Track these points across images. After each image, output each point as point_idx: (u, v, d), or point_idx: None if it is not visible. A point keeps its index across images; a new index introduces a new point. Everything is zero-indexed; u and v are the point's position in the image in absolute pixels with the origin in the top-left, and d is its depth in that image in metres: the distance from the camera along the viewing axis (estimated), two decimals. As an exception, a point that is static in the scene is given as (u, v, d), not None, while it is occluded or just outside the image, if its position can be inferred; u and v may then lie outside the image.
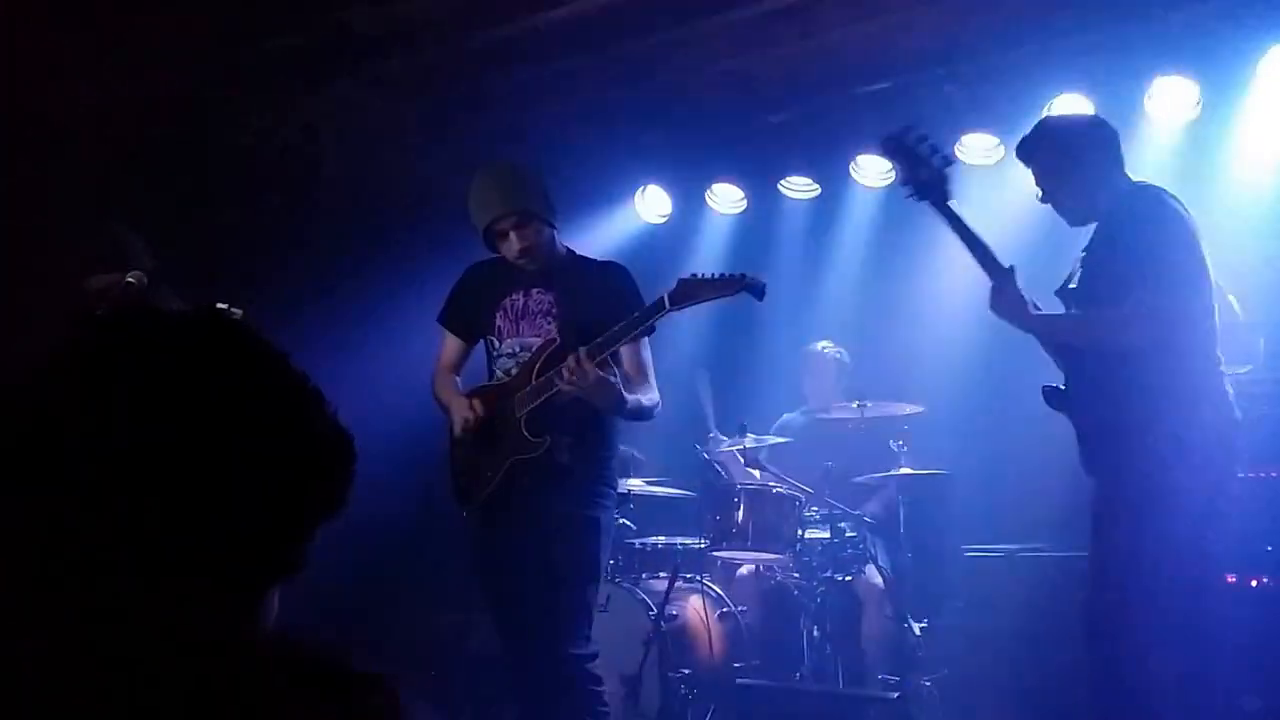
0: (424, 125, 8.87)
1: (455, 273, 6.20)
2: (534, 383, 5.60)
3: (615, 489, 5.94)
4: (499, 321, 5.87)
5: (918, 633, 7.75)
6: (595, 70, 8.33)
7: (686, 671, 7.55)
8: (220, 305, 4.64)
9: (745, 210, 9.67)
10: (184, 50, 7.50)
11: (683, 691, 7.47)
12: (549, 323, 5.77)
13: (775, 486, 8.10)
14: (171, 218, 6.99)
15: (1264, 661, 6.56)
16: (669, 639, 7.55)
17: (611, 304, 5.65)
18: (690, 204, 9.75)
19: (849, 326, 9.19)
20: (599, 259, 6.15)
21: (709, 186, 9.66)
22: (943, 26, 7.38)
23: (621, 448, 6.11)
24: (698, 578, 7.94)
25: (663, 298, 5.38)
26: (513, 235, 5.70)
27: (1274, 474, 7.06)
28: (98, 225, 5.97)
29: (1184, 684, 4.92)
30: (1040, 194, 5.43)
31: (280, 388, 1.77)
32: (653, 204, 9.86)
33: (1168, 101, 7.70)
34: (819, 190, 9.54)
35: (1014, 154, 5.55)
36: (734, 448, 8.32)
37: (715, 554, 8.15)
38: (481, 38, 7.92)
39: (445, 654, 8.28)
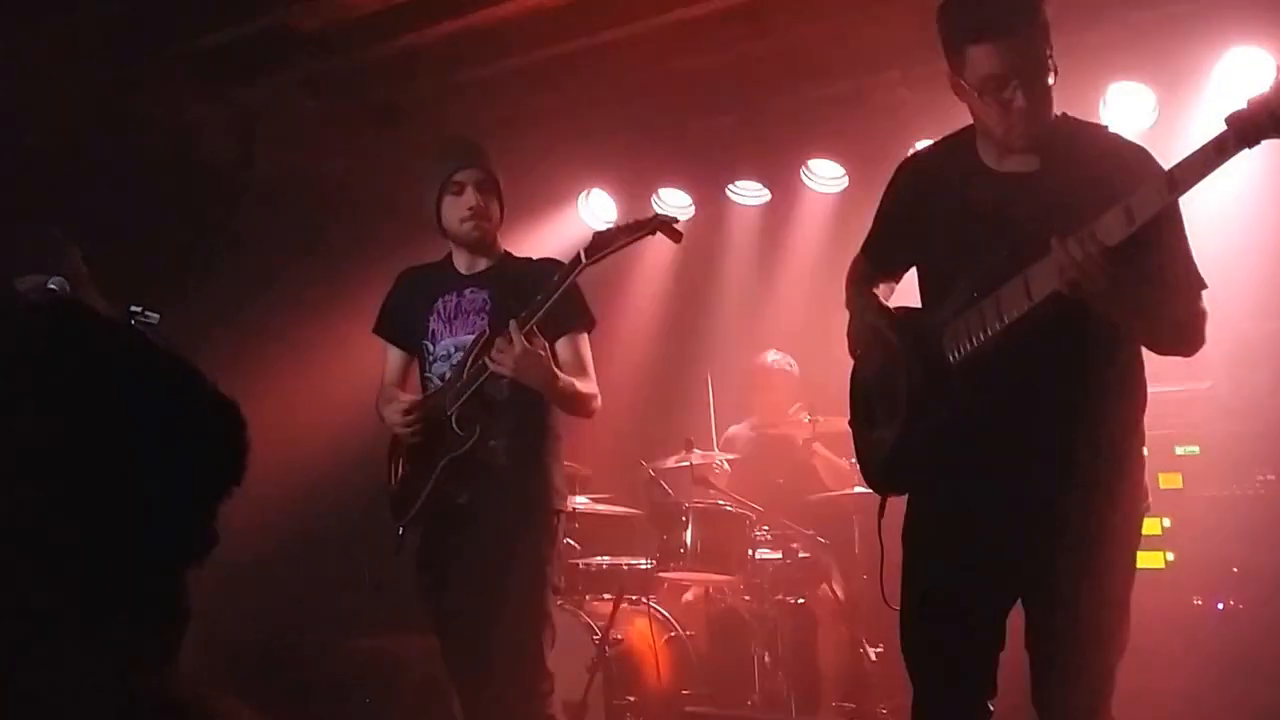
0: (358, 127, 8.92)
1: (388, 276, 6.19)
2: (464, 378, 5.57)
3: (562, 494, 5.83)
4: (432, 324, 5.82)
5: (874, 658, 7.79)
6: (537, 71, 8.37)
7: (632, 699, 7.58)
8: (134, 308, 4.71)
9: (692, 216, 9.66)
10: (112, 45, 7.56)
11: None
12: (481, 320, 5.71)
13: (724, 504, 8.13)
14: (104, 221, 7.02)
15: (1233, 687, 6.69)
16: (614, 664, 7.58)
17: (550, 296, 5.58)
18: (636, 209, 9.69)
19: (800, 336, 9.18)
20: (538, 259, 6.07)
21: (655, 191, 9.66)
22: (897, 28, 7.47)
23: (566, 464, 6.02)
24: (644, 600, 7.95)
25: (579, 253, 5.36)
26: (470, 190, 5.72)
27: (1239, 493, 7.16)
28: (28, 228, 6.00)
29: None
30: None
31: (142, 361, 1.81)
32: (597, 209, 9.86)
33: (1123, 108, 7.81)
34: (769, 196, 9.60)
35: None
36: (681, 464, 8.31)
37: (662, 575, 8.12)
38: (419, 37, 7.96)
39: (384, 679, 8.21)
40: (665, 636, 7.92)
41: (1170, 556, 7.25)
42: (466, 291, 5.81)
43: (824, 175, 9.23)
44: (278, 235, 8.57)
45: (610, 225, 5.52)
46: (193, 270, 7.87)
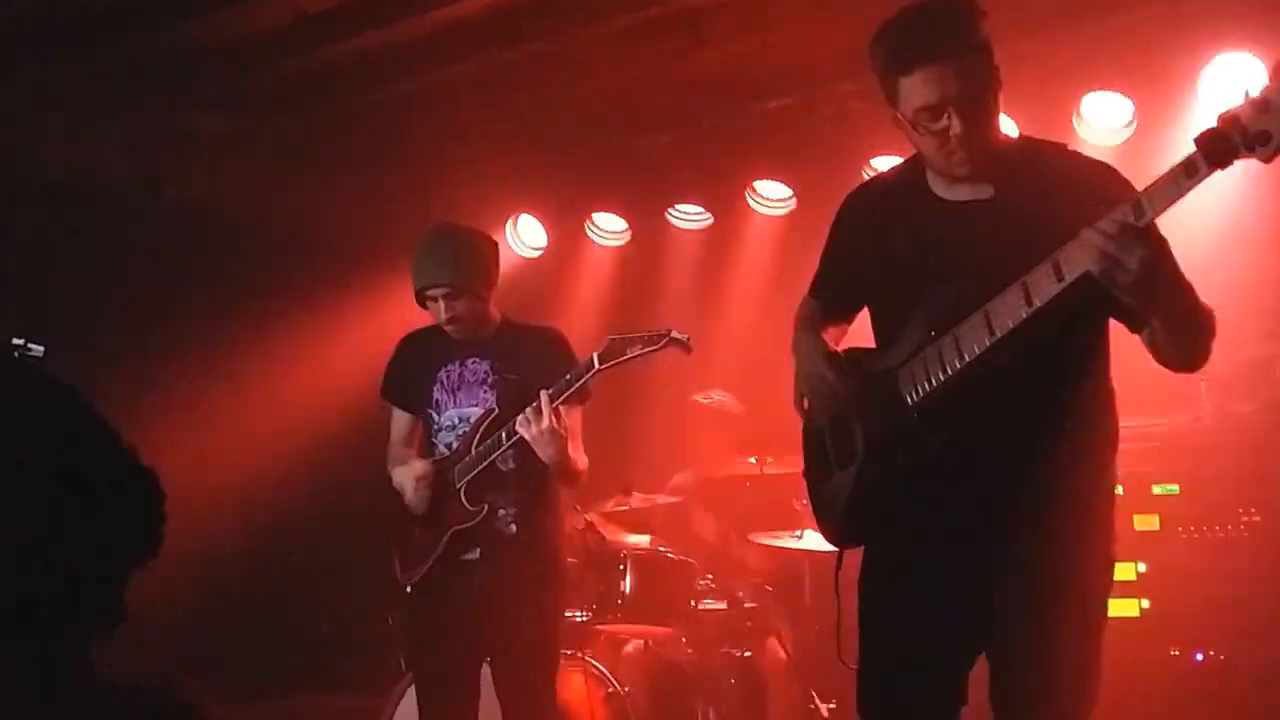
0: (270, 150, 8.72)
1: (301, 306, 6.47)
2: (473, 452, 6.09)
3: (564, 565, 6.48)
4: (436, 394, 6.33)
5: (826, 714, 7.67)
6: (460, 86, 8.27)
7: None
8: (16, 341, 4.75)
9: (629, 242, 9.62)
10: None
11: (563, 783, 7.31)
12: (484, 391, 6.24)
13: (665, 551, 8.03)
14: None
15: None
16: None
17: (549, 369, 6.05)
18: (568, 235, 9.66)
19: (745, 371, 9.04)
20: (535, 324, 6.60)
21: (588, 216, 9.63)
22: (850, 38, 7.28)
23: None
24: (579, 654, 7.77)
25: (592, 357, 5.87)
26: (441, 304, 6.18)
27: (1221, 535, 7.05)
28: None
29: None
30: None
31: (67, 425, 1.76)
32: (526, 235, 9.81)
33: (1098, 120, 7.70)
34: (711, 219, 9.51)
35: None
36: (618, 508, 8.27)
37: (598, 627, 8.02)
38: (335, 50, 7.85)
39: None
40: (602, 693, 7.74)
41: (1145, 604, 7.19)
42: (469, 362, 6.31)
43: (770, 197, 9.17)
44: (179, 264, 8.51)
45: (625, 334, 5.92)
46: (88, 302, 7.81)
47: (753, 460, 8.31)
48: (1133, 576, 7.14)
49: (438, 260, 6.24)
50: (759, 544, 8.16)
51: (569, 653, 7.69)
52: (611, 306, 9.79)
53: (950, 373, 4.05)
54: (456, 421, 6.27)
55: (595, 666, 7.81)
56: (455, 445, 6.22)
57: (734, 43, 7.74)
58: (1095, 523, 4.16)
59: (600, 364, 5.84)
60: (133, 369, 7.83)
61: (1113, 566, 4.20)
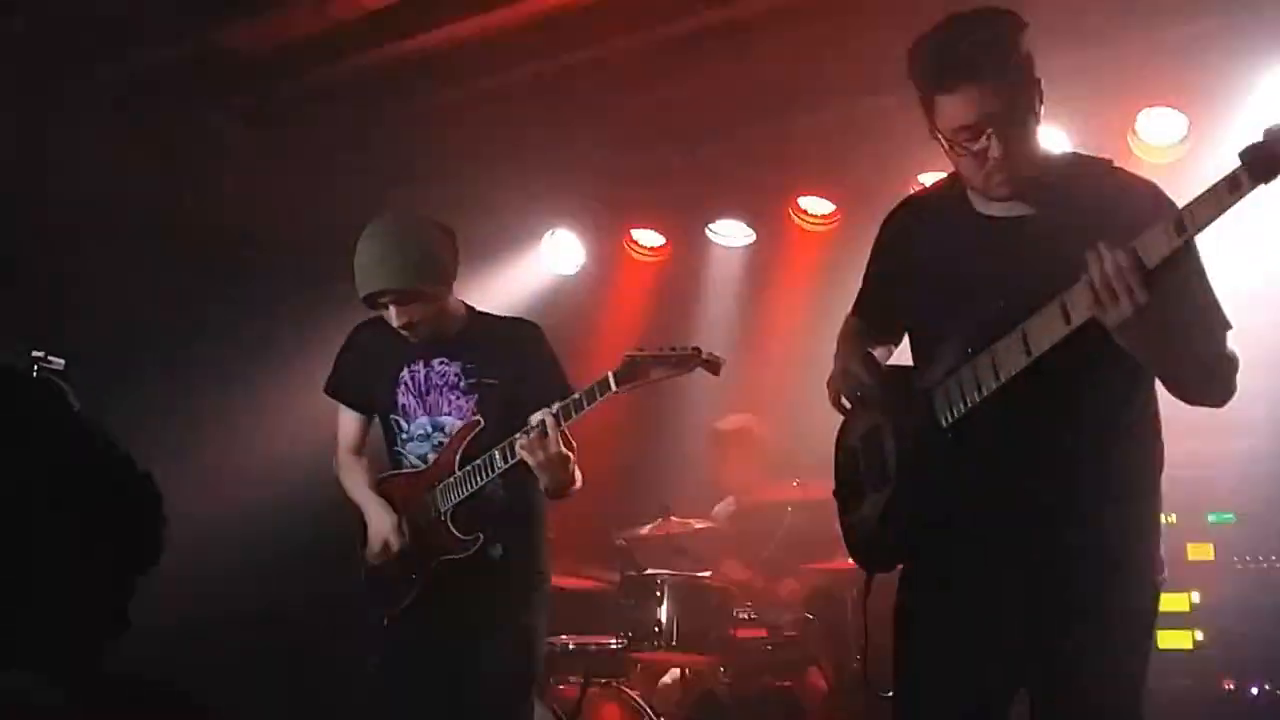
0: (300, 160, 8.64)
1: (337, 323, 6.12)
2: (458, 473, 5.58)
3: (548, 584, 5.91)
4: (401, 398, 5.78)
5: (868, 748, 7.51)
6: (496, 97, 8.19)
7: None
8: (36, 353, 4.66)
9: (668, 259, 9.55)
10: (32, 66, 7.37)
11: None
12: (458, 397, 5.68)
13: (704, 578, 7.94)
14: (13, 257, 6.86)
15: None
16: None
17: (528, 370, 5.65)
18: (605, 251, 9.63)
19: (785, 392, 8.88)
20: (505, 316, 6.09)
21: (627, 232, 9.58)
22: (893, 44, 7.21)
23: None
24: (614, 683, 7.79)
25: (607, 377, 5.30)
26: (393, 310, 5.59)
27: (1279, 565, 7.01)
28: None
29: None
30: None
31: (70, 437, 1.75)
32: (563, 251, 9.74)
33: (1153, 136, 7.64)
34: (753, 236, 9.46)
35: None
36: (656, 532, 8.17)
37: (634, 655, 7.95)
38: (368, 60, 7.82)
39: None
40: None
41: (1200, 636, 7.06)
42: (435, 363, 5.75)
43: (814, 213, 9.12)
44: (208, 276, 8.46)
45: (645, 351, 5.37)
46: (114, 313, 7.74)
47: (795, 483, 8.20)
48: (1186, 608, 6.97)
49: (383, 262, 5.57)
50: (798, 571, 8.08)
51: (603, 681, 7.73)
52: (648, 325, 9.73)
53: (986, 393, 3.95)
54: (429, 430, 5.74)
55: (631, 696, 7.79)
56: (430, 457, 5.72)
57: (776, 53, 7.67)
58: (1139, 546, 4.06)
59: (617, 386, 5.31)
60: (158, 380, 7.85)
61: (1158, 596, 4.09)
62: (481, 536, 5.54)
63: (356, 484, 5.93)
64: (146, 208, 8.13)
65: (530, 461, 5.30)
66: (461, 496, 5.56)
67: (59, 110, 7.69)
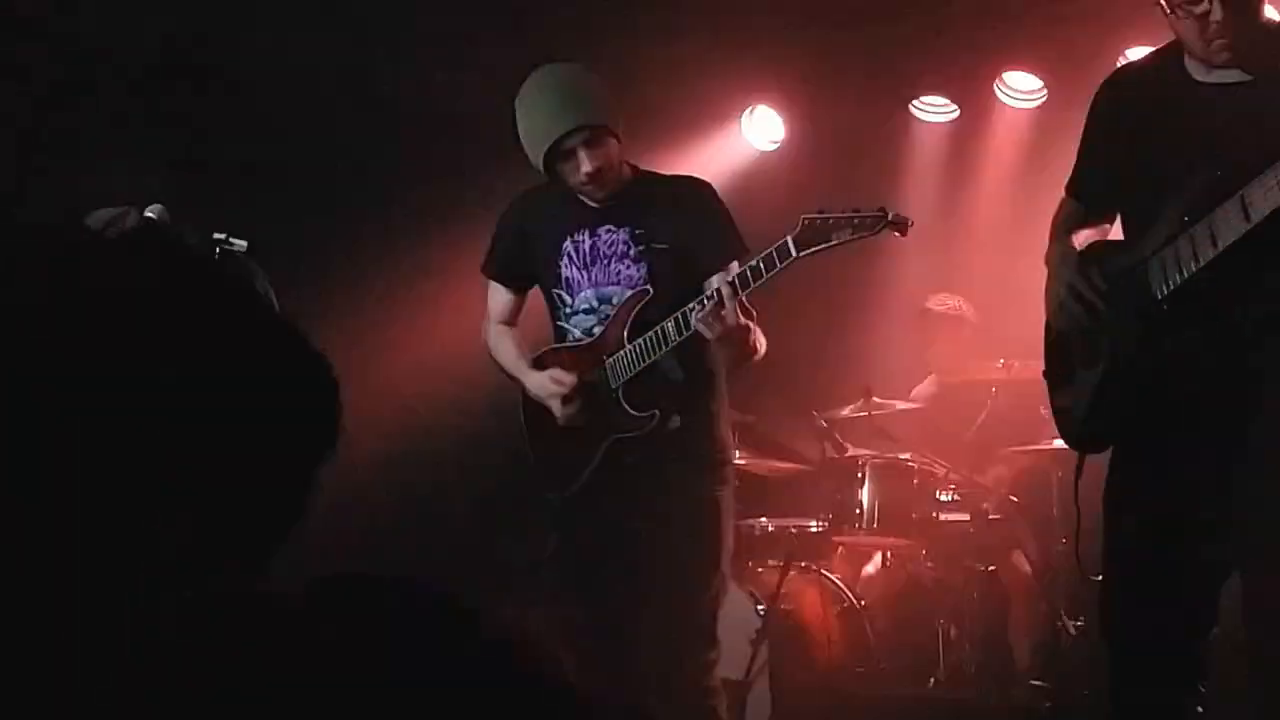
0: (485, 43, 8.61)
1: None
2: (627, 346, 5.37)
3: (731, 457, 5.78)
4: (565, 271, 5.55)
5: (1073, 632, 7.50)
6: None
7: (801, 677, 7.44)
8: (218, 235, 4.61)
9: (867, 136, 9.45)
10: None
11: (797, 700, 7.32)
12: (628, 266, 5.44)
13: (906, 459, 7.93)
14: (186, 149, 6.95)
15: None
16: (781, 639, 7.42)
17: (704, 234, 5.41)
18: (804, 129, 9.52)
19: (989, 271, 8.92)
20: (674, 175, 5.90)
21: (827, 110, 9.40)
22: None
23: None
24: (815, 567, 7.81)
25: (786, 242, 5.02)
26: (583, 154, 5.26)
27: None
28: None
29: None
30: None
31: (237, 310, 1.69)
32: (762, 127, 9.62)
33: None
34: (957, 112, 9.34)
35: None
36: (858, 414, 8.12)
37: (835, 539, 8.02)
38: None
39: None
40: (838, 608, 7.78)
41: None
42: (601, 231, 5.50)
43: (1020, 89, 8.99)
44: (390, 157, 8.48)
45: (827, 214, 5.08)
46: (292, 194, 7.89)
47: (1000, 363, 8.10)
48: None
49: (570, 101, 5.31)
50: (1002, 454, 8.04)
51: (804, 565, 7.74)
52: (846, 203, 9.66)
53: (1203, 262, 3.91)
54: (596, 304, 5.48)
55: (832, 580, 7.85)
56: (597, 332, 5.48)
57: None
58: None
59: (798, 251, 4.98)
60: (337, 266, 8.02)
61: None
62: (658, 413, 5.34)
63: (510, 356, 5.77)
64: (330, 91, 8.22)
65: (707, 335, 5.10)
66: (634, 371, 5.38)
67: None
